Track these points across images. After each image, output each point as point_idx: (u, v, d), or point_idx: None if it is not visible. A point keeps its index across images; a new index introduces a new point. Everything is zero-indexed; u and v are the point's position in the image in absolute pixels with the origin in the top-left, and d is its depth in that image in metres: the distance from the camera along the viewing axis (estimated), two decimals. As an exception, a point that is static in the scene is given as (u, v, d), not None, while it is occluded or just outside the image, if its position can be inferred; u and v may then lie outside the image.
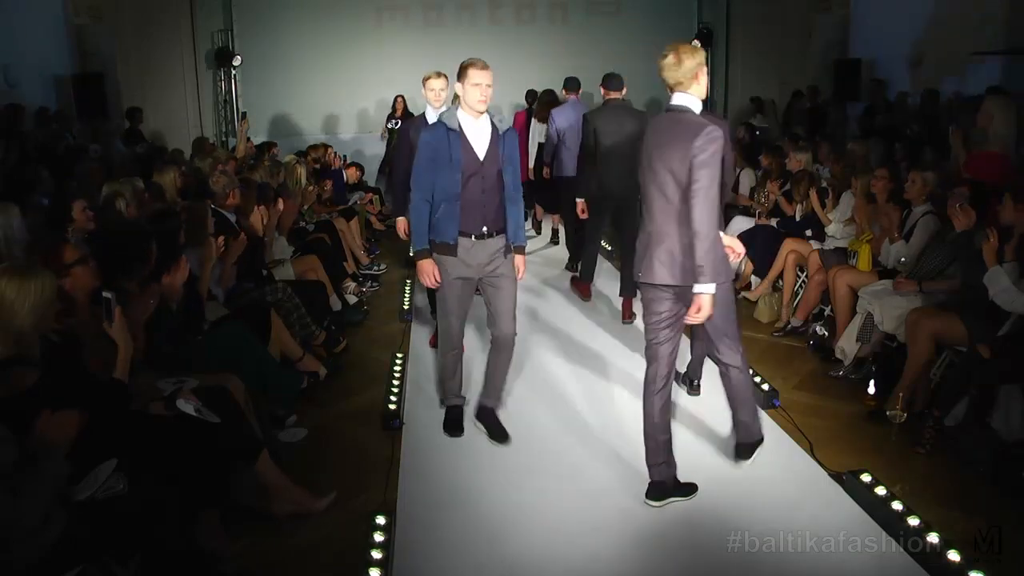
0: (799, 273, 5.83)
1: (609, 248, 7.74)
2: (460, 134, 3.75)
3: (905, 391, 4.08)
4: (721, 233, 3.35)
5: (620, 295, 5.98)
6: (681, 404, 4.34)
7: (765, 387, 4.44)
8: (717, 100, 13.92)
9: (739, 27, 13.50)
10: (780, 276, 5.96)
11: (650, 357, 3.46)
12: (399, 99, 11.75)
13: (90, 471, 2.56)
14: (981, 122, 5.42)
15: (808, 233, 5.97)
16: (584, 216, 6.01)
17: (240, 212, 5.33)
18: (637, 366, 4.92)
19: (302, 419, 4.28)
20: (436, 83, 4.81)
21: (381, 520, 3.20)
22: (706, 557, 3.08)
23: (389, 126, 11.78)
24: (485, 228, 3.85)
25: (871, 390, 4.31)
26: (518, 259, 4.01)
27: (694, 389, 4.51)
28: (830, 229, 5.75)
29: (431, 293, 4.46)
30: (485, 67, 3.70)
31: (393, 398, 4.46)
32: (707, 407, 4.37)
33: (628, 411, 4.35)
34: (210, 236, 4.32)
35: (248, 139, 9.21)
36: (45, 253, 3.25)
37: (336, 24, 12.78)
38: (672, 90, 3.23)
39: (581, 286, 6.56)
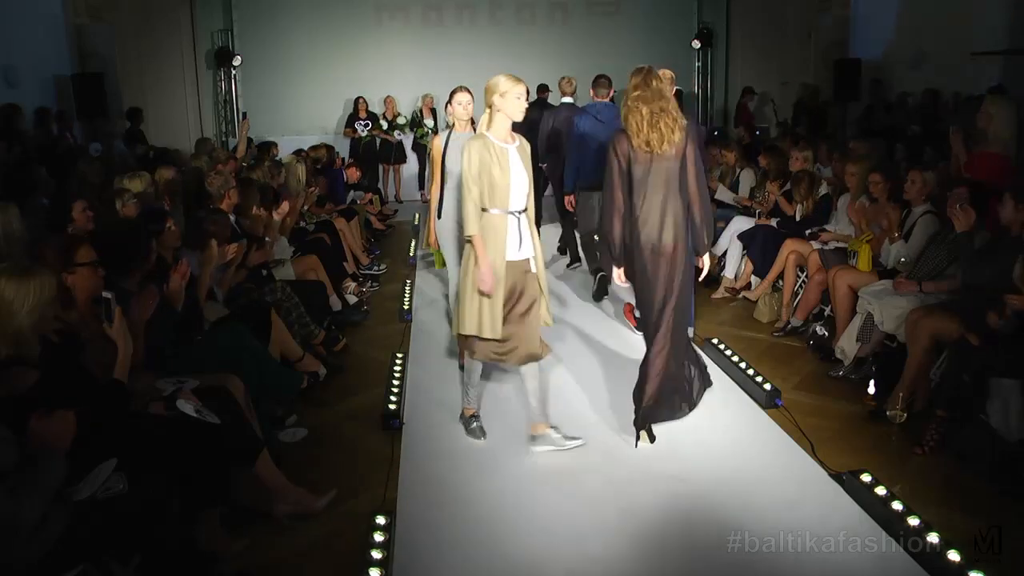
0: (799, 273, 5.82)
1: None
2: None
3: (905, 391, 4.08)
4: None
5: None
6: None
7: (767, 387, 4.43)
8: (717, 100, 13.94)
9: (739, 27, 13.51)
10: (780, 276, 5.96)
11: None
12: (361, 100, 11.89)
13: (90, 471, 2.56)
14: (981, 122, 5.41)
15: (808, 233, 5.97)
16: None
17: (240, 212, 5.33)
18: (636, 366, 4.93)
19: (302, 419, 4.28)
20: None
21: (381, 520, 3.19)
22: (706, 557, 3.07)
23: (358, 127, 11.84)
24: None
25: (871, 390, 4.31)
26: None
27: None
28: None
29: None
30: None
31: (393, 398, 4.45)
32: (703, 407, 4.36)
33: (628, 410, 4.35)
34: (212, 239, 4.31)
35: (249, 140, 9.22)
36: (58, 246, 3.26)
37: (336, 24, 12.79)
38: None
39: None
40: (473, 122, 4.87)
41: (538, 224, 7.07)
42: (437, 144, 4.93)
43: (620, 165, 3.82)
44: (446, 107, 5.67)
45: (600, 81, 6.42)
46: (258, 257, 5.21)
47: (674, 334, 3.91)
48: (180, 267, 3.77)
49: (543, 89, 9.82)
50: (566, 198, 6.48)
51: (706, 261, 4.04)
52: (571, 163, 6.27)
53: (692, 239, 3.93)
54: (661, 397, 3.93)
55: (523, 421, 4.24)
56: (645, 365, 3.93)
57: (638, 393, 3.92)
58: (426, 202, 5.76)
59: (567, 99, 7.40)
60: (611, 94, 6.49)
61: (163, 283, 3.69)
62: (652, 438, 3.96)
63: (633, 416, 3.93)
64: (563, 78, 7.57)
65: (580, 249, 7.07)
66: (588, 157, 6.04)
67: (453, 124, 4.92)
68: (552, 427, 3.90)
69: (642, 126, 3.73)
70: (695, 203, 3.84)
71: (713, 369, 4.93)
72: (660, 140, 3.73)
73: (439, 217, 4.91)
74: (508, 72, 3.84)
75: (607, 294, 6.52)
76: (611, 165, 3.84)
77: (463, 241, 4.18)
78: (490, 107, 3.73)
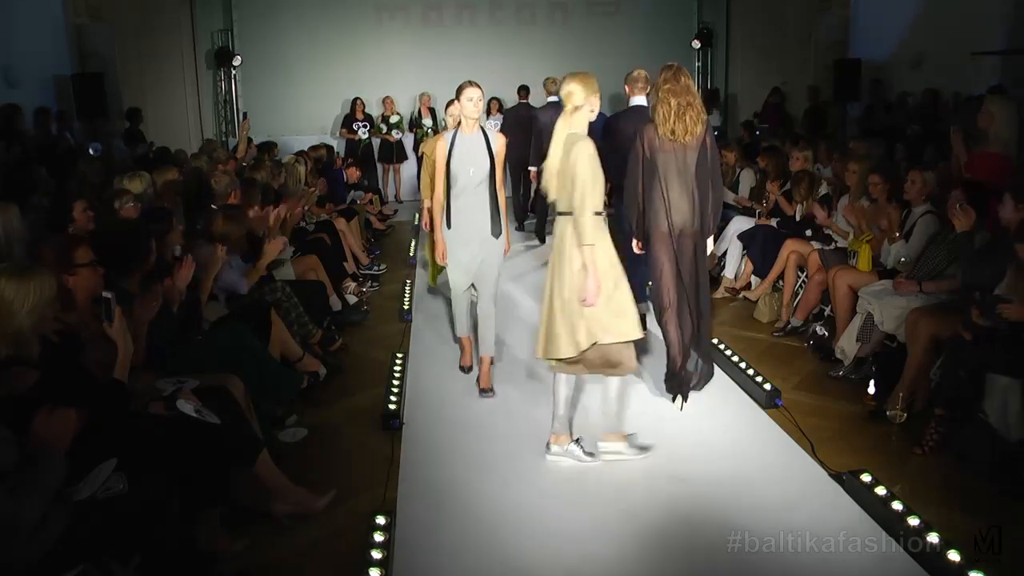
0: (799, 273, 5.82)
1: None
2: None
3: (905, 391, 4.08)
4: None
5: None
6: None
7: (767, 387, 4.43)
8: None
9: (739, 27, 13.50)
10: (780, 276, 5.96)
11: None
12: (359, 101, 11.89)
13: (90, 471, 2.56)
14: (982, 122, 5.40)
15: (808, 233, 5.97)
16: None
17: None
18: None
19: (302, 419, 4.27)
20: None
21: (381, 520, 3.19)
22: (706, 557, 3.08)
23: (356, 127, 11.84)
24: None
25: (871, 390, 4.31)
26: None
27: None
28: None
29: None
30: None
31: (393, 398, 4.45)
32: (704, 407, 4.37)
33: (628, 412, 4.35)
34: (217, 241, 4.31)
35: (250, 140, 9.22)
36: (58, 247, 3.26)
37: (336, 24, 12.79)
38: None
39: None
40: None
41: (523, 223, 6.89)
42: (441, 147, 4.47)
43: (644, 153, 4.18)
44: (447, 106, 5.51)
45: None
46: (271, 252, 5.05)
47: (703, 313, 4.28)
48: (185, 265, 3.76)
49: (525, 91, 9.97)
50: None
51: (710, 243, 4.39)
52: None
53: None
54: (691, 367, 4.31)
55: (525, 421, 4.25)
56: (685, 340, 4.28)
57: (675, 369, 4.31)
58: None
59: (552, 99, 8.01)
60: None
61: (164, 283, 3.69)
62: (684, 402, 4.33)
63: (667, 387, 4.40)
64: (547, 78, 8.28)
65: None
66: None
67: (458, 124, 4.51)
68: (575, 441, 3.86)
69: (669, 116, 4.08)
70: (709, 191, 4.19)
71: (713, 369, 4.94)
72: (684, 131, 4.08)
73: (448, 227, 4.53)
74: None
75: None
76: (636, 153, 4.22)
77: (489, 256, 4.42)
78: (577, 107, 3.62)
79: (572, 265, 3.58)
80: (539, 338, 3.77)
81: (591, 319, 3.57)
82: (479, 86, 4.42)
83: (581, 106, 3.61)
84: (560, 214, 3.66)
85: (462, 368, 5.01)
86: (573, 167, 3.50)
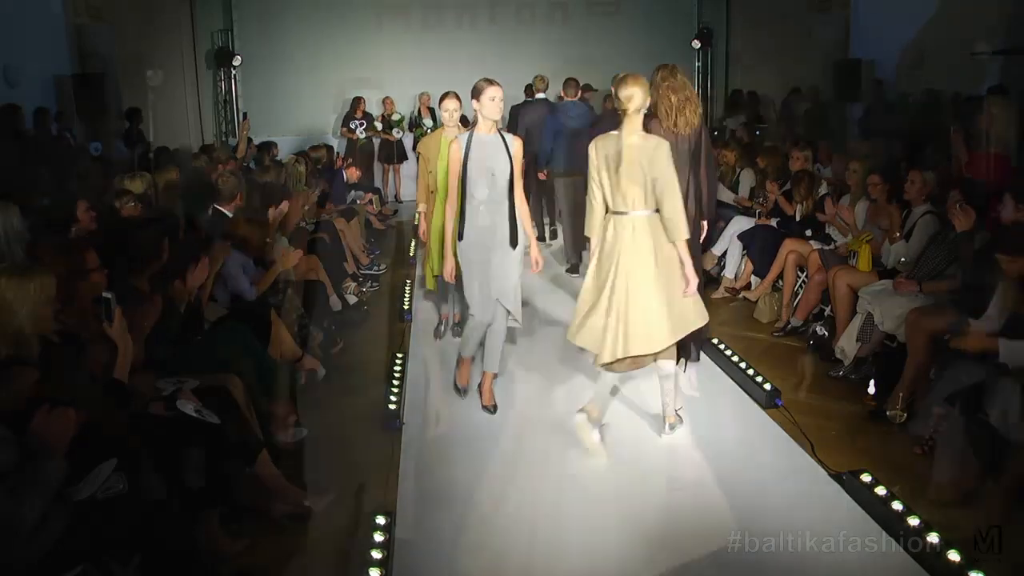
0: (799, 273, 5.82)
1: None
2: None
3: (905, 391, 4.08)
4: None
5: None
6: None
7: (767, 387, 4.43)
8: (718, 100, 13.94)
9: (739, 27, 13.49)
10: (780, 276, 5.95)
11: None
12: (360, 100, 11.88)
13: (90, 471, 2.55)
14: (983, 123, 5.41)
15: (808, 233, 5.96)
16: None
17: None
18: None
19: (302, 419, 4.27)
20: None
21: (381, 520, 3.19)
22: (706, 557, 3.08)
23: (353, 127, 11.83)
24: None
25: (871, 390, 4.31)
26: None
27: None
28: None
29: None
30: None
31: (393, 398, 4.45)
32: (704, 409, 4.37)
33: (629, 413, 4.35)
34: (217, 242, 4.31)
35: (249, 140, 9.23)
36: (66, 252, 3.25)
37: (336, 24, 12.78)
38: None
39: None
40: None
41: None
42: (455, 151, 4.11)
43: None
44: (442, 100, 5.42)
45: (569, 82, 7.41)
46: (291, 259, 5.01)
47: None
48: (200, 267, 3.75)
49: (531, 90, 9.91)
50: (540, 173, 7.48)
51: (705, 226, 4.68)
52: (544, 147, 7.26)
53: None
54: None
55: (525, 421, 4.25)
56: None
57: None
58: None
59: (540, 95, 8.39)
60: (579, 94, 7.43)
61: (170, 284, 3.69)
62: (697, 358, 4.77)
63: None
64: (537, 76, 8.52)
65: (571, 245, 7.37)
66: (561, 147, 7.03)
67: (474, 123, 4.19)
68: (601, 425, 3.92)
69: (671, 111, 4.33)
70: (703, 177, 4.47)
71: (713, 369, 4.95)
72: (685, 124, 4.34)
73: (460, 239, 4.19)
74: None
75: None
76: None
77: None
78: (638, 109, 3.67)
79: (658, 262, 3.68)
80: (606, 340, 3.69)
81: (679, 311, 3.74)
82: (499, 84, 4.09)
83: (640, 108, 3.72)
84: (618, 213, 3.71)
85: (456, 388, 4.61)
86: (656, 169, 3.61)
